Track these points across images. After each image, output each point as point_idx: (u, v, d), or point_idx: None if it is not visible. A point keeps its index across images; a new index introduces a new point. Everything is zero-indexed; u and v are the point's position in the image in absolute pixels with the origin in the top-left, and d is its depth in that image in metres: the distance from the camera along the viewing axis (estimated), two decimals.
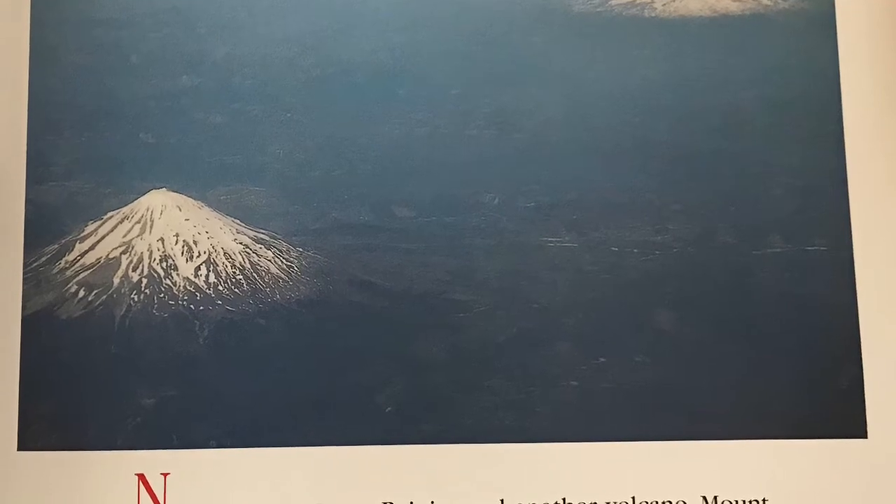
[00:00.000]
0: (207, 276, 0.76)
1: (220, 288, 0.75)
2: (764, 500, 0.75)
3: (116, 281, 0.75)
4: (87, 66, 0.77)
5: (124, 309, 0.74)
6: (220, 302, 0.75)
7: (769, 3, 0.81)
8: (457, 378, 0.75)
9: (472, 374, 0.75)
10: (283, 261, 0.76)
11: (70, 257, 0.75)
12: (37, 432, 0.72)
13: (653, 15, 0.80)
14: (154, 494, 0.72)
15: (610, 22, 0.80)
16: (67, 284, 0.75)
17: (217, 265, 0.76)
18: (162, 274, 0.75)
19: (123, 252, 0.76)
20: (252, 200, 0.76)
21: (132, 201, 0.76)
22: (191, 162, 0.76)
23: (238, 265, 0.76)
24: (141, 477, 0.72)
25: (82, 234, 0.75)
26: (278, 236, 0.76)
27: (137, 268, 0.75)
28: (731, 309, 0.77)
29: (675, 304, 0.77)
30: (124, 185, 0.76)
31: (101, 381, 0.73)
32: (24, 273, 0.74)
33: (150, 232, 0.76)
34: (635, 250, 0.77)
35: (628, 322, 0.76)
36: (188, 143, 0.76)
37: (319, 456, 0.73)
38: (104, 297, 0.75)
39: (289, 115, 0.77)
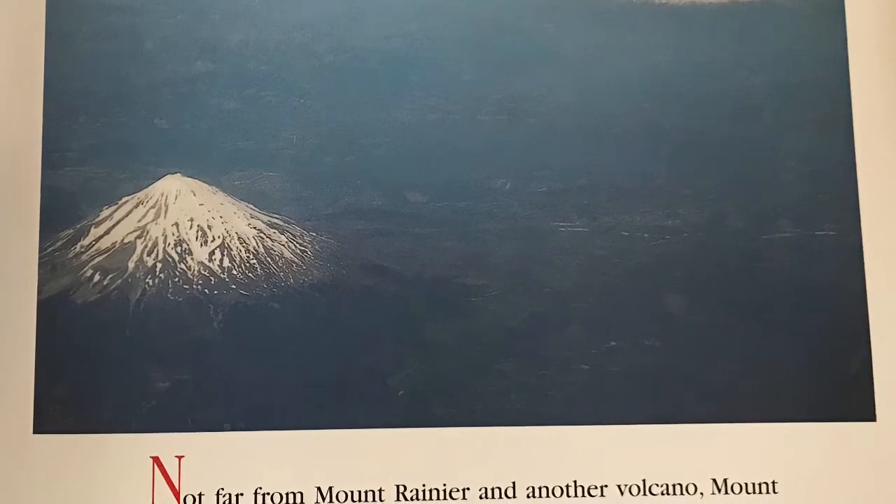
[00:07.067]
0: (222, 261, 0.74)
1: (235, 272, 0.74)
2: (773, 483, 0.74)
3: (131, 265, 0.73)
4: (102, 52, 0.75)
5: (139, 293, 0.73)
6: (234, 286, 0.73)
7: None
8: (469, 362, 0.73)
9: (483, 357, 0.73)
10: (297, 245, 0.74)
11: (85, 242, 0.73)
12: (52, 415, 0.71)
13: (663, 2, 0.79)
14: (169, 477, 0.71)
15: (621, 9, 0.78)
16: (83, 269, 0.73)
17: (231, 250, 0.74)
18: (176, 258, 0.74)
19: (138, 237, 0.74)
20: (266, 185, 0.74)
21: (147, 186, 0.74)
22: (205, 147, 0.74)
23: (252, 250, 0.74)
24: (156, 459, 0.71)
25: (97, 219, 0.74)
26: (292, 221, 0.74)
27: (152, 252, 0.74)
28: (740, 293, 0.75)
29: (685, 289, 0.75)
30: (139, 171, 0.74)
31: (116, 364, 0.71)
32: (40, 257, 0.72)
33: (165, 217, 0.74)
34: (646, 235, 0.76)
35: (639, 306, 0.75)
36: (202, 128, 0.74)
37: (332, 439, 0.72)
38: (119, 281, 0.73)
39: (302, 100, 0.75)
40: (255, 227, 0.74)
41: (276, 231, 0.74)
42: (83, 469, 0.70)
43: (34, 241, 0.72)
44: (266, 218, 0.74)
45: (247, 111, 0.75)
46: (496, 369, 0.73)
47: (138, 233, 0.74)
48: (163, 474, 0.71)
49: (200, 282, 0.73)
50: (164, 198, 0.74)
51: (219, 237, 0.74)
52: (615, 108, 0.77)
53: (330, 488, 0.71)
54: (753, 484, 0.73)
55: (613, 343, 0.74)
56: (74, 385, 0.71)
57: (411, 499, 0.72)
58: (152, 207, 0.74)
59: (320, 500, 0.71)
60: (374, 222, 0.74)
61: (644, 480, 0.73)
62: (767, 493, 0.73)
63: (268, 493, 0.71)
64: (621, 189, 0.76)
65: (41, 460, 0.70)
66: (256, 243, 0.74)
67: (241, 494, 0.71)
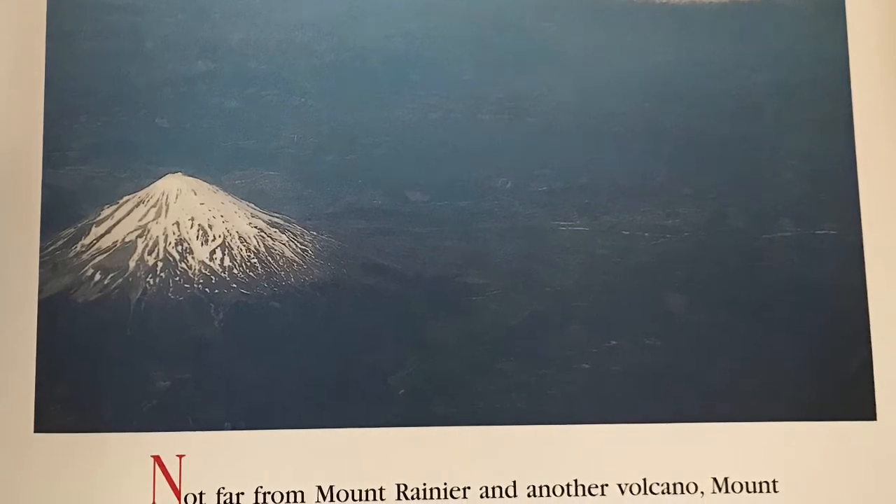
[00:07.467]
0: (222, 260, 0.74)
1: (235, 271, 0.73)
2: (774, 482, 0.73)
3: (132, 264, 0.73)
4: (103, 51, 0.74)
5: (140, 292, 0.72)
6: (234, 285, 0.73)
7: None
8: (469, 361, 0.73)
9: (484, 356, 0.73)
10: (298, 244, 0.74)
11: (86, 241, 0.73)
12: (53, 414, 0.70)
13: (663, 1, 0.78)
14: (170, 476, 0.71)
15: (621, 8, 0.78)
16: (84, 268, 0.73)
17: (232, 249, 0.74)
18: (177, 257, 0.73)
19: (139, 236, 0.74)
20: (266, 184, 0.74)
21: (148, 185, 0.74)
22: (206, 146, 0.74)
23: (253, 249, 0.74)
24: (157, 459, 0.71)
25: (98, 218, 0.73)
26: (293, 220, 0.74)
27: (153, 251, 0.74)
28: (741, 292, 0.75)
29: (685, 288, 0.75)
30: (140, 170, 0.74)
31: (116, 363, 0.71)
32: (41, 256, 0.72)
33: (166, 216, 0.74)
34: (646, 234, 0.75)
35: (639, 305, 0.74)
36: (203, 127, 0.74)
37: (333, 438, 0.71)
38: (120, 280, 0.73)
39: (303, 99, 0.75)
40: (255, 227, 0.74)
41: (276, 230, 0.74)
42: (84, 468, 0.70)
43: (35, 240, 0.72)
44: (267, 217, 0.74)
45: (247, 110, 0.74)
46: (497, 368, 0.73)
47: (139, 232, 0.73)
48: (164, 473, 0.70)
49: (201, 281, 0.73)
50: (164, 197, 0.74)
51: (219, 236, 0.74)
52: (615, 108, 0.76)
53: (331, 487, 0.71)
54: (754, 483, 0.73)
55: (614, 342, 0.74)
56: (75, 384, 0.71)
57: (412, 498, 0.71)
58: (153, 206, 0.74)
59: (321, 498, 0.71)
60: (375, 221, 0.74)
61: (645, 479, 0.72)
62: (768, 491, 0.73)
63: (269, 492, 0.71)
64: (622, 188, 0.75)
65: (42, 459, 0.70)
66: (257, 242, 0.74)
67: (242, 493, 0.71)
